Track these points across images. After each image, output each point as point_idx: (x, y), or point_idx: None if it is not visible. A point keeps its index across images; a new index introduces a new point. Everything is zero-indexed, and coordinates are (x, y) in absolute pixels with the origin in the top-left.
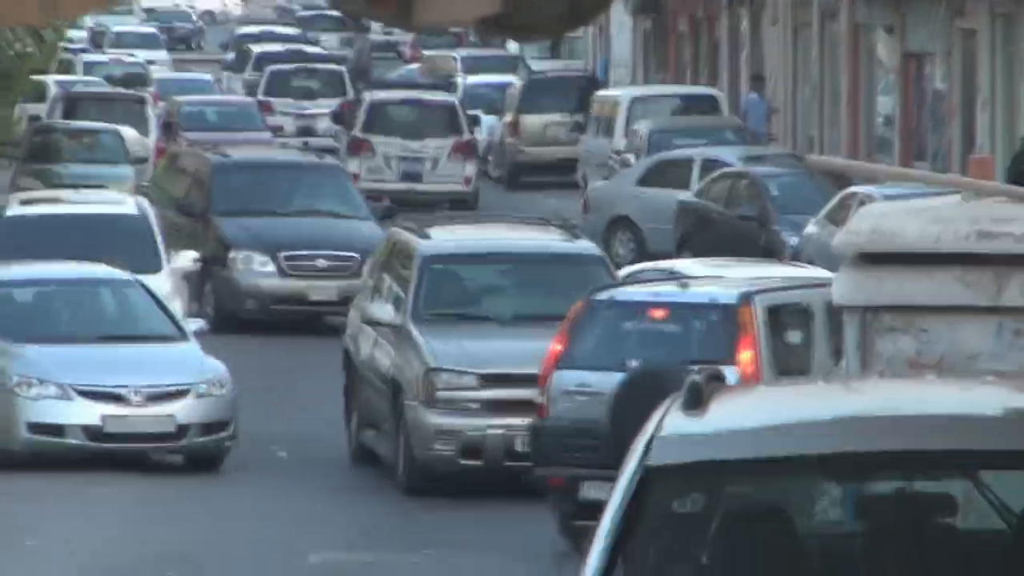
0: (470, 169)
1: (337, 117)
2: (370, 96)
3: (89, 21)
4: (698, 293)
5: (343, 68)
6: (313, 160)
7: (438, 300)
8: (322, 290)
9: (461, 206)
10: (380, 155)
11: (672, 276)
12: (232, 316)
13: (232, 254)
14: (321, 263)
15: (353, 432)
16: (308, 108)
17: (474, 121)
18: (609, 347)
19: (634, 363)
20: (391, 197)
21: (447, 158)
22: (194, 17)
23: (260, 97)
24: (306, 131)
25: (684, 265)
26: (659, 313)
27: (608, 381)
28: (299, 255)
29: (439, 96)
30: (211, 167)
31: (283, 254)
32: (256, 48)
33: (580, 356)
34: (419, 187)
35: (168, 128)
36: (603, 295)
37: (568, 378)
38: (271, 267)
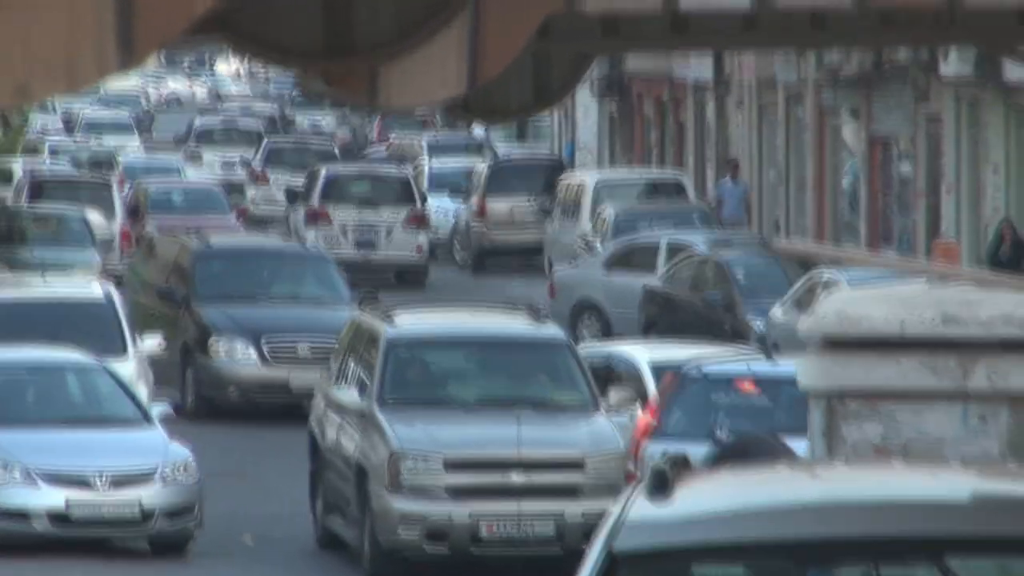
0: (422, 239)
1: (291, 195)
2: (326, 169)
3: (58, 107)
4: (786, 366)
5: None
6: (295, 247)
7: (403, 385)
8: (304, 378)
9: (414, 275)
10: (336, 224)
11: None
12: (213, 403)
13: (213, 340)
14: (303, 349)
15: (319, 517)
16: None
17: (422, 198)
18: (699, 418)
19: (724, 433)
20: (345, 264)
21: (401, 228)
22: (144, 103)
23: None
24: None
25: (633, 348)
26: (748, 385)
27: (698, 451)
28: (280, 341)
29: (393, 170)
30: (192, 254)
31: (264, 340)
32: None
33: (670, 427)
34: (373, 255)
35: (135, 212)
36: (693, 368)
37: (659, 449)
38: (252, 354)
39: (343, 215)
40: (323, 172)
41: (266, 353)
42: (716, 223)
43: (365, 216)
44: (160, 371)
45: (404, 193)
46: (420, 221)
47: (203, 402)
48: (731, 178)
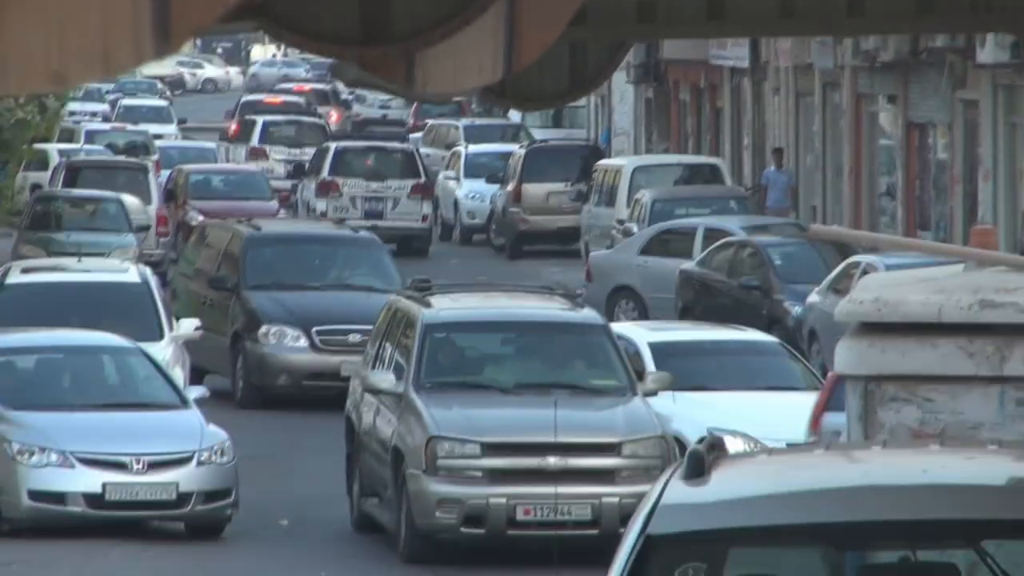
0: (427, 208)
1: (297, 168)
2: (335, 144)
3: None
4: None
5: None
6: (347, 233)
7: (440, 368)
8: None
9: (418, 242)
10: (346, 195)
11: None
12: (263, 391)
13: (264, 328)
14: (354, 338)
15: (355, 500)
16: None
17: (426, 172)
18: None
19: None
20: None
21: (406, 198)
22: (159, 87)
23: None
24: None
25: (632, 328)
26: None
27: None
28: (332, 330)
29: (398, 144)
30: (243, 241)
31: (315, 329)
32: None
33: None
34: (381, 223)
35: (171, 196)
36: None
37: (837, 420)
38: (303, 342)
39: (352, 187)
40: (332, 147)
41: (316, 341)
42: (760, 211)
43: (372, 187)
44: (211, 359)
45: (409, 166)
46: (424, 191)
47: (253, 390)
48: (776, 166)
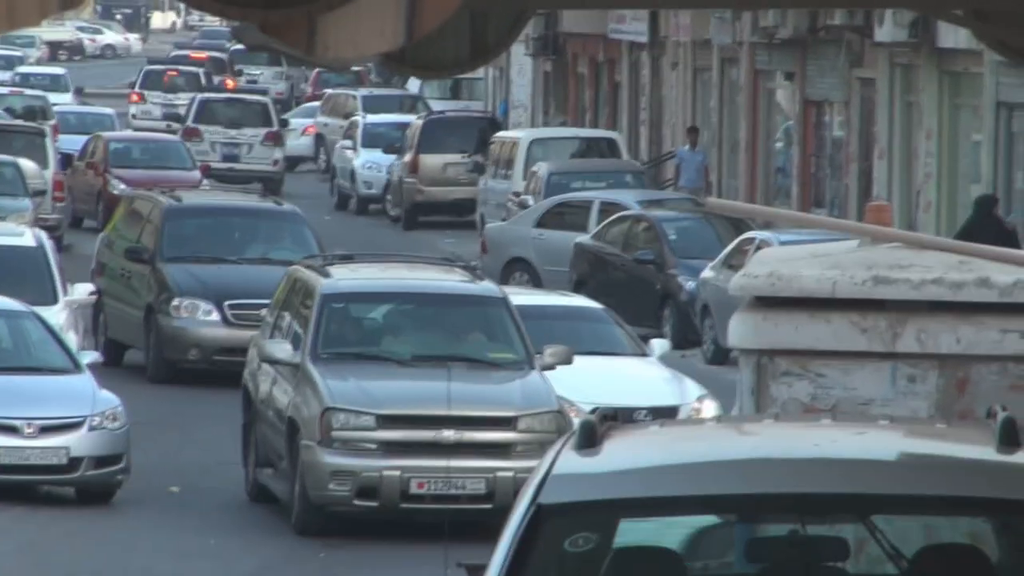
0: (278, 153)
1: (175, 118)
2: (199, 96)
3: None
4: None
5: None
6: (270, 206)
7: (337, 339)
8: None
9: (272, 183)
10: (207, 141)
11: None
12: (174, 365)
13: (176, 301)
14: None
15: (251, 470)
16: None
17: (283, 123)
18: None
19: None
20: (214, 173)
21: (260, 144)
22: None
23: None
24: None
25: None
26: None
27: None
28: (244, 304)
29: (256, 96)
30: (162, 211)
31: (228, 303)
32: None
33: None
34: (237, 166)
35: (87, 164)
36: None
37: None
38: (215, 316)
39: (212, 133)
40: (196, 98)
41: (229, 315)
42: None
43: (231, 134)
44: (128, 334)
45: (264, 116)
46: (275, 139)
47: (164, 365)
48: (690, 146)
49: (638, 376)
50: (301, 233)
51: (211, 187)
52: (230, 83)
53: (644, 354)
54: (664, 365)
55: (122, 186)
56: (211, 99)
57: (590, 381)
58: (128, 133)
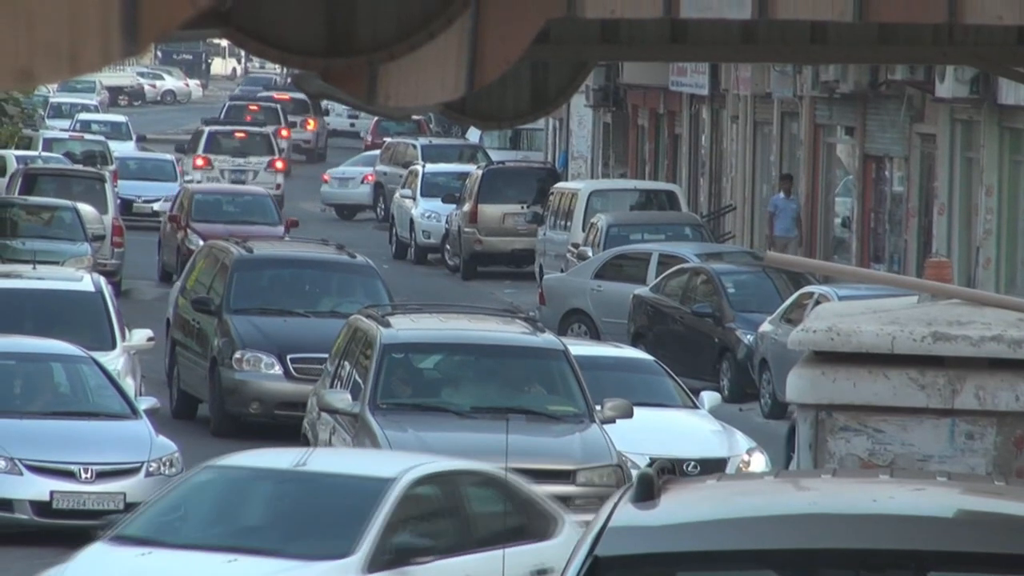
0: (280, 179)
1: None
2: (208, 128)
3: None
4: None
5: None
6: (343, 258)
7: (396, 389)
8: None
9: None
10: (217, 168)
11: None
12: (236, 419)
13: (238, 354)
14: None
15: None
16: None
17: (280, 151)
18: None
19: None
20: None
21: (264, 171)
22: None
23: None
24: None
25: None
26: None
27: None
28: (307, 358)
29: (260, 128)
30: (232, 262)
31: (291, 356)
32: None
33: None
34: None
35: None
36: None
37: None
38: (278, 369)
39: (221, 162)
40: (206, 130)
41: (291, 368)
42: (766, 240)
43: (237, 162)
44: (196, 384)
45: (267, 146)
46: (278, 166)
47: (227, 418)
48: (784, 193)
49: (688, 428)
50: (373, 286)
51: (291, 239)
52: (311, 124)
53: (695, 406)
54: (714, 418)
55: (200, 242)
56: (219, 131)
57: (640, 432)
58: (214, 186)
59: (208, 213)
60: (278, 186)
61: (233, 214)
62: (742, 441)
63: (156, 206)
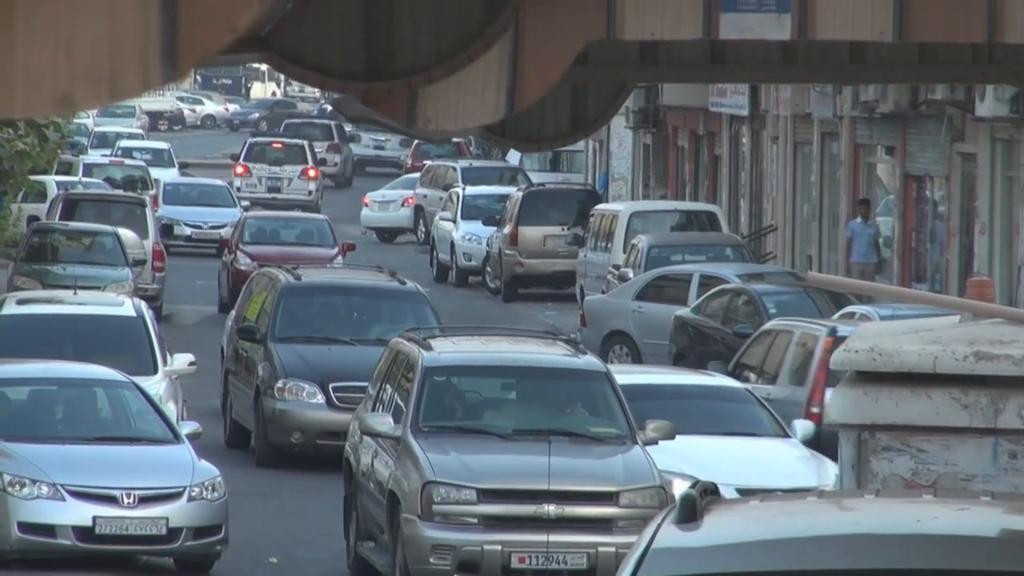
0: (313, 186)
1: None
2: (249, 139)
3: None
4: None
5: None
6: (392, 285)
7: (438, 412)
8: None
9: (306, 207)
10: (255, 176)
11: None
12: (279, 449)
13: (280, 383)
14: None
15: (352, 543)
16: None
17: (315, 159)
18: None
19: None
20: (261, 202)
21: (298, 178)
22: (138, 128)
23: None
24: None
25: None
26: None
27: None
28: (350, 387)
29: (295, 140)
30: (279, 289)
31: (333, 385)
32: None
33: None
34: (279, 195)
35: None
36: None
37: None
38: (320, 398)
39: (259, 170)
40: (248, 140)
41: (334, 398)
42: (846, 266)
43: (274, 171)
44: (245, 413)
45: (301, 155)
46: (311, 175)
47: (270, 448)
48: (862, 218)
49: (776, 457)
50: (423, 313)
51: (344, 264)
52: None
53: (786, 435)
54: (804, 447)
55: (249, 261)
56: (259, 142)
57: (726, 462)
58: (269, 212)
59: (262, 237)
60: (310, 193)
61: (288, 237)
62: (832, 469)
63: (223, 232)
